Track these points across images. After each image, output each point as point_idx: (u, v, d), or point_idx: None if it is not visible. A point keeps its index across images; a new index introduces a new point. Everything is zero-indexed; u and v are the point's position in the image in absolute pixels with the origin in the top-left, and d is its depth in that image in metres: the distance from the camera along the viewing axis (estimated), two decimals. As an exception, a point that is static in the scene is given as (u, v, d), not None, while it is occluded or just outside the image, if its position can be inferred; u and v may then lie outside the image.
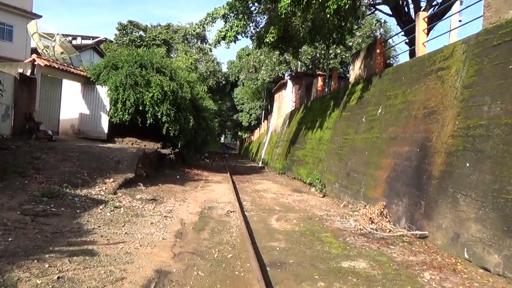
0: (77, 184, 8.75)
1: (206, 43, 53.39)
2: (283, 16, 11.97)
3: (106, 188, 8.87)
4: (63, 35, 24.21)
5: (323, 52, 33.48)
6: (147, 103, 15.78)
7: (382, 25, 35.20)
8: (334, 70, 17.68)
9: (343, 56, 33.68)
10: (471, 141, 6.41)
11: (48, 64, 13.86)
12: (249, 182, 17.11)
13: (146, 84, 16.03)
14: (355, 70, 14.25)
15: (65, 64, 15.72)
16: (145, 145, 16.91)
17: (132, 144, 16.83)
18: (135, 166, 11.18)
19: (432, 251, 6.40)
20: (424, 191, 7.38)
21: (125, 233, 6.11)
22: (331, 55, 33.53)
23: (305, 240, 6.91)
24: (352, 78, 14.56)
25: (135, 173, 10.91)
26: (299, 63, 32.70)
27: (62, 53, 18.25)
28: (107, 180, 9.41)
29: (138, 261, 4.85)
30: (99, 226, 6.25)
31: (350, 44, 32.94)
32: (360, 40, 32.91)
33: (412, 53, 13.57)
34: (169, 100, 16.37)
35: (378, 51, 12.23)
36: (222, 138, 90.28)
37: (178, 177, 15.10)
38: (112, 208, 7.52)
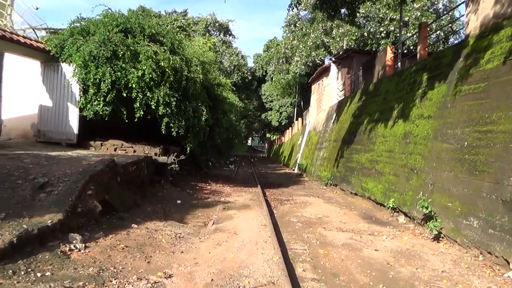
0: None
1: (229, 35, 47.85)
2: None
3: None
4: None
5: (371, 30, 27.11)
6: (134, 86, 10.16)
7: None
8: (424, 27, 11.21)
9: (397, 35, 27.08)
10: None
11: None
12: (291, 202, 11.21)
13: (132, 58, 10.38)
14: (482, 11, 8.05)
15: (11, 32, 10.23)
16: (135, 151, 11.32)
17: (115, 149, 11.26)
18: (74, 195, 5.48)
19: None
20: None
21: None
22: (383, 34, 27.01)
23: None
24: (473, 26, 8.35)
25: (70, 210, 5.20)
26: (344, 43, 26.36)
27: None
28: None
29: None
30: None
31: (407, 19, 26.41)
32: (418, 14, 26.26)
33: None
34: (168, 82, 10.68)
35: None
36: (249, 141, 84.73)
37: (179, 201, 9.34)
38: None
